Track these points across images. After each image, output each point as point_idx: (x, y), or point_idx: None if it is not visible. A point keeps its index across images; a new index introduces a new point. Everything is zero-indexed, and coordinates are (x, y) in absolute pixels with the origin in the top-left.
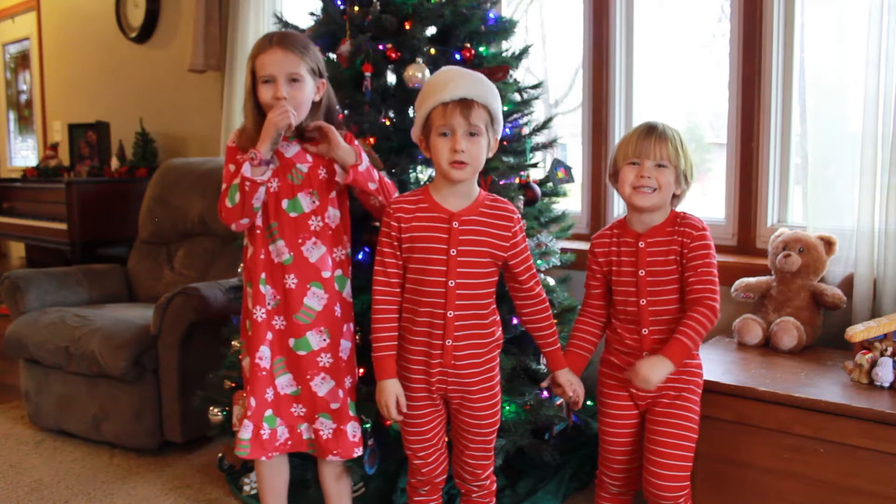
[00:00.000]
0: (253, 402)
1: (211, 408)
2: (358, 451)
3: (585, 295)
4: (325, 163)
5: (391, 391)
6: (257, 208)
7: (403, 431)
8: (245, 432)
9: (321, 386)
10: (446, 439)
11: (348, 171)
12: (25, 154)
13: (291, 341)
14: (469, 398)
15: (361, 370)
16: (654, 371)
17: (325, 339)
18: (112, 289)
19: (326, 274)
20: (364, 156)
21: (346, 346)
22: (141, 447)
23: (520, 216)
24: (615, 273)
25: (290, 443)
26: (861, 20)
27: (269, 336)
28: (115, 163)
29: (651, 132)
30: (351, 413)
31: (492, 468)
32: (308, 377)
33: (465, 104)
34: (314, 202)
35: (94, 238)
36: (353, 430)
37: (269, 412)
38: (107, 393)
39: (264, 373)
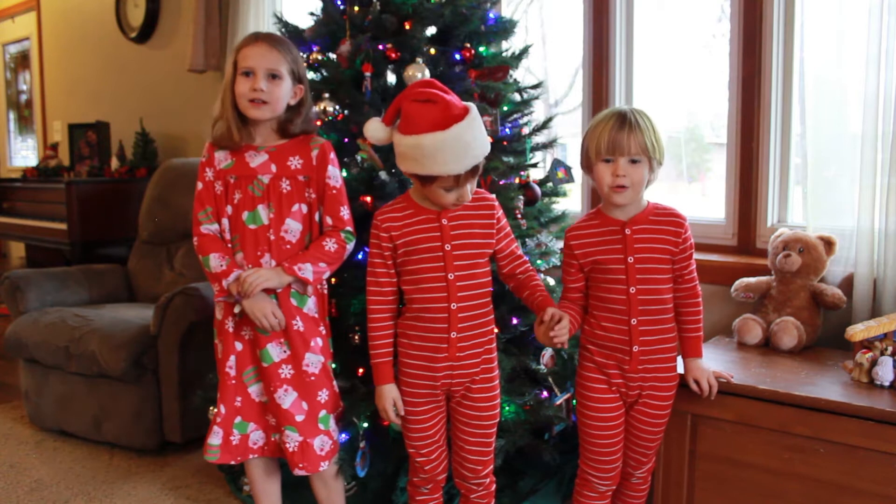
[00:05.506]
0: (223, 409)
1: (211, 408)
2: (324, 465)
3: (564, 289)
4: (288, 174)
5: (389, 396)
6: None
7: (405, 430)
8: (215, 438)
9: (284, 398)
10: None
11: (304, 285)
12: (25, 154)
13: (258, 352)
14: (472, 389)
15: (360, 370)
16: (706, 372)
17: (285, 351)
18: (112, 289)
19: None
20: (304, 267)
21: (313, 359)
22: (141, 447)
23: (498, 203)
24: (601, 262)
25: (266, 448)
26: (861, 20)
27: (239, 346)
28: (115, 163)
29: (623, 124)
30: (321, 427)
31: (491, 467)
32: (272, 388)
33: (473, 170)
34: (272, 214)
35: (94, 238)
36: (320, 443)
37: (238, 419)
38: (107, 393)
39: (233, 381)
